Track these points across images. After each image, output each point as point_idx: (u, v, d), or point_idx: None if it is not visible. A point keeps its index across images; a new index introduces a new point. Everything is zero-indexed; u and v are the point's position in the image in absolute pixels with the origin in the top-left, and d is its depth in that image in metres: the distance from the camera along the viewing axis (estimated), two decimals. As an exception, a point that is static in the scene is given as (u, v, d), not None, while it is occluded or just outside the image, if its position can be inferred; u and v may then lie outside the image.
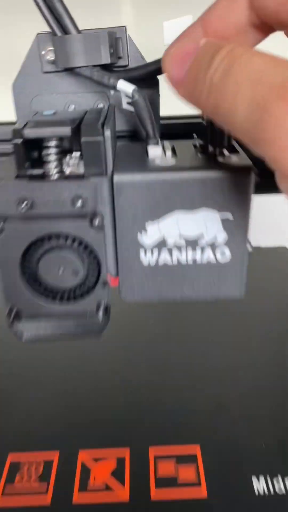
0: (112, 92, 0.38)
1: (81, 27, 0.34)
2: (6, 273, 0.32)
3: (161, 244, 0.33)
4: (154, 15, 0.85)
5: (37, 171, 0.33)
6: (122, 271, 0.34)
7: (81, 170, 0.33)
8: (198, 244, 0.33)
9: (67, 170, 0.33)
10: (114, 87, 0.33)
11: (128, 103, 0.35)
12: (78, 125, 0.31)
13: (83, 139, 0.30)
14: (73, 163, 0.33)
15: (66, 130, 0.30)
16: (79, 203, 0.30)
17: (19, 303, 0.33)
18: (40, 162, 0.34)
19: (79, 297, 0.33)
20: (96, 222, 0.31)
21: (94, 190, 0.30)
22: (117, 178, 0.31)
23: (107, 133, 0.30)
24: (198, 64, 0.22)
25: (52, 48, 0.36)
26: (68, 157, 0.33)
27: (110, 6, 0.80)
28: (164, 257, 0.33)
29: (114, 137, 0.32)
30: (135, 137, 0.38)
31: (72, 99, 0.38)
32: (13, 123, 0.43)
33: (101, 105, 0.38)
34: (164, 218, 0.32)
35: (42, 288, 0.33)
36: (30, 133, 0.30)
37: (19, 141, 0.30)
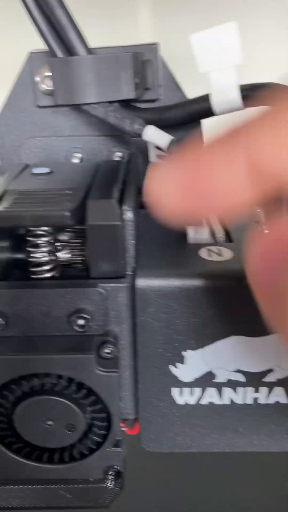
0: (135, 136, 0.27)
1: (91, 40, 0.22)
2: None
3: (206, 380, 0.21)
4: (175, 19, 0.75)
5: (17, 256, 0.21)
6: (145, 413, 0.22)
7: (82, 261, 0.21)
8: (264, 379, 0.21)
9: (60, 258, 0.21)
10: (139, 136, 0.22)
11: (160, 156, 0.24)
12: (83, 199, 0.20)
13: (89, 222, 0.19)
14: (74, 246, 0.22)
15: (63, 217, 0.18)
16: (79, 323, 0.19)
17: (-15, 463, 0.21)
18: (22, 240, 0.22)
19: (77, 458, 0.21)
20: (107, 352, 0.19)
21: (104, 302, 0.19)
22: (142, 283, 0.19)
23: (129, 214, 0.19)
24: None
25: (50, 73, 0.25)
26: (61, 238, 0.21)
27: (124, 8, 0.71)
28: (210, 396, 0.22)
29: (136, 213, 0.21)
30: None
31: (78, 144, 0.27)
32: None
33: (119, 154, 0.27)
34: (214, 345, 0.20)
35: (20, 444, 0.21)
36: (7, 220, 0.19)
37: None
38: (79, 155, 0.27)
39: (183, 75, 0.26)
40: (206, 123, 0.22)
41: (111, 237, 0.19)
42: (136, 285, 0.19)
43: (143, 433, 0.23)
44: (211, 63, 0.21)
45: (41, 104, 0.26)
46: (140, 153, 0.26)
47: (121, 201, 0.20)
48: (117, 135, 0.27)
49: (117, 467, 0.22)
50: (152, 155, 0.23)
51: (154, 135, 0.21)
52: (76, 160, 0.27)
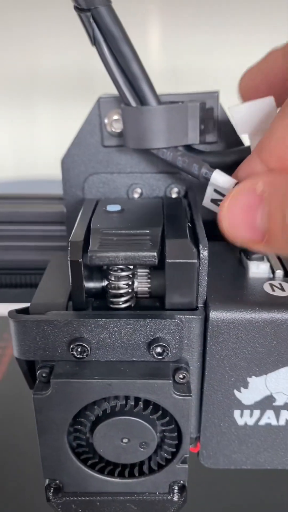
0: (191, 173, 0.29)
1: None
2: (48, 439, 0.22)
3: (266, 403, 0.23)
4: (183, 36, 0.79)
5: (95, 285, 0.24)
6: (207, 432, 0.24)
7: (153, 289, 0.24)
8: None
9: (136, 290, 0.24)
10: (207, 179, 0.24)
11: (214, 200, 0.26)
12: (161, 239, 0.22)
13: (169, 260, 0.21)
14: (141, 278, 0.24)
15: (150, 257, 0.21)
16: (158, 350, 0.21)
17: (62, 476, 0.23)
18: (99, 271, 0.25)
19: (146, 474, 0.23)
20: (181, 377, 0.21)
21: (180, 332, 0.21)
22: (215, 316, 0.21)
23: (204, 253, 0.21)
24: (279, 214, 0.19)
25: (118, 117, 0.27)
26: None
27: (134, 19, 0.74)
28: (267, 417, 0.24)
29: None
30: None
31: (138, 180, 0.29)
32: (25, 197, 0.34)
33: (175, 190, 0.29)
34: (276, 372, 0.22)
35: (95, 460, 0.23)
36: (102, 259, 0.21)
37: (79, 259, 0.21)
38: (139, 190, 0.29)
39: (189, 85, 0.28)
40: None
41: (188, 273, 0.21)
42: (210, 317, 0.21)
43: (202, 450, 0.25)
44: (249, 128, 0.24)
45: (108, 144, 0.28)
46: (196, 190, 0.28)
47: (195, 239, 0.22)
48: (173, 172, 0.29)
49: (182, 482, 0.23)
50: (209, 197, 0.25)
51: (220, 179, 0.23)
52: (136, 195, 0.29)
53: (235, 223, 0.21)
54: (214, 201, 0.26)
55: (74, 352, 0.21)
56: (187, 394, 0.21)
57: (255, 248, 0.22)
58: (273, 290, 0.23)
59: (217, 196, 0.25)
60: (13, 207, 0.33)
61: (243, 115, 0.24)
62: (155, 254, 0.21)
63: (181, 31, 0.80)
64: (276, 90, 0.24)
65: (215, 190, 0.25)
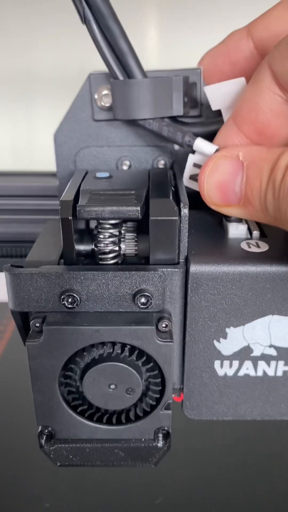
0: (176, 146, 0.31)
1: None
2: (40, 386, 0.24)
3: (244, 354, 0.25)
4: (178, 33, 0.80)
5: (85, 248, 0.26)
6: (189, 382, 0.26)
7: (140, 251, 0.25)
8: (294, 354, 0.25)
9: (122, 250, 0.25)
10: (190, 147, 0.26)
11: (193, 176, 0.27)
12: (145, 198, 0.24)
13: (152, 217, 0.23)
14: (128, 240, 0.26)
15: (134, 211, 0.22)
16: (142, 300, 0.23)
17: (54, 423, 0.25)
18: (88, 234, 0.26)
19: (133, 420, 0.25)
20: (164, 326, 0.23)
21: (162, 284, 0.23)
22: (194, 269, 0.23)
23: (185, 211, 0.23)
24: (257, 182, 0.21)
25: (107, 92, 0.29)
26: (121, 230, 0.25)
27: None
28: (246, 368, 0.25)
29: None
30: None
31: (127, 153, 0.31)
32: (20, 173, 0.36)
33: (162, 162, 0.31)
34: (252, 322, 0.24)
35: (84, 407, 0.25)
36: (90, 212, 0.22)
37: (69, 217, 0.23)
38: (128, 162, 0.31)
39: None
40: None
41: (170, 230, 0.23)
42: (190, 270, 0.23)
43: (186, 401, 0.27)
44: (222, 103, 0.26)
45: (98, 118, 0.30)
46: (181, 162, 0.30)
47: (177, 201, 0.24)
48: (160, 145, 0.31)
49: (166, 428, 0.25)
50: (187, 174, 0.27)
51: (202, 146, 0.25)
52: (125, 167, 0.31)
53: (215, 186, 0.23)
54: (193, 176, 0.27)
55: (65, 303, 0.23)
56: (169, 340, 0.23)
57: (230, 211, 0.23)
58: (249, 247, 0.24)
59: (197, 171, 0.27)
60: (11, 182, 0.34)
61: (216, 93, 0.26)
62: (139, 208, 0.22)
63: (179, 33, 0.82)
64: (240, 69, 0.26)
65: (195, 165, 0.27)
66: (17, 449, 0.46)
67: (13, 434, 0.48)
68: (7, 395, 0.54)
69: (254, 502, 0.41)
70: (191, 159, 0.27)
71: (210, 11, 0.77)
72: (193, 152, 0.26)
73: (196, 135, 0.26)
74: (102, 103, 0.29)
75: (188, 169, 0.27)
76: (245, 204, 0.22)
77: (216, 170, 0.23)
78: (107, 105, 0.29)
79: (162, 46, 0.82)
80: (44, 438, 0.25)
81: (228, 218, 0.26)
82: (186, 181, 0.27)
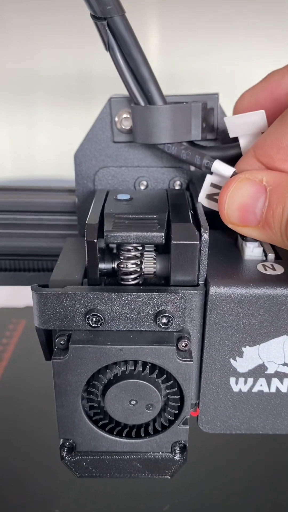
0: (192, 168, 0.32)
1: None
2: (64, 401, 0.25)
3: (259, 371, 0.26)
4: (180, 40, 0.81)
5: (106, 266, 0.27)
6: (205, 398, 0.27)
7: (158, 271, 0.26)
8: (306, 372, 0.26)
9: (144, 269, 0.26)
10: (208, 169, 0.27)
11: (209, 195, 0.28)
12: (167, 223, 0.25)
13: (174, 241, 0.24)
14: (147, 260, 0.27)
15: (158, 237, 0.23)
16: (164, 320, 0.24)
17: (75, 436, 0.26)
18: (109, 253, 0.27)
19: (151, 434, 0.26)
20: (184, 345, 0.24)
21: (183, 305, 0.24)
22: (214, 291, 0.24)
23: (205, 235, 0.24)
24: (279, 208, 0.23)
25: (127, 115, 0.30)
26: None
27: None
28: (260, 385, 0.26)
29: None
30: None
31: (144, 174, 0.32)
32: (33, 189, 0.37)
33: (178, 183, 0.32)
34: (268, 342, 0.25)
35: (105, 421, 0.26)
36: (116, 238, 0.23)
37: (94, 240, 0.24)
38: (145, 182, 0.32)
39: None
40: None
41: (190, 253, 0.24)
42: (210, 292, 0.24)
43: (201, 416, 0.28)
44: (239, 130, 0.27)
45: (117, 140, 0.31)
46: (197, 183, 0.31)
47: (197, 224, 0.25)
48: (176, 166, 0.32)
49: (183, 442, 0.26)
50: (204, 194, 0.28)
51: (220, 167, 0.26)
52: (142, 187, 0.32)
53: (236, 206, 0.24)
54: (210, 196, 0.29)
55: (90, 322, 0.24)
56: (189, 359, 0.24)
57: (247, 232, 0.24)
58: (265, 270, 0.25)
59: (214, 191, 0.28)
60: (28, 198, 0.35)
61: (235, 124, 0.27)
62: (163, 234, 0.23)
63: (179, 35, 0.83)
64: (282, 104, 0.27)
65: (212, 185, 0.28)
66: (26, 455, 0.47)
67: (24, 439, 0.49)
68: (14, 400, 0.55)
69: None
70: (209, 179, 0.28)
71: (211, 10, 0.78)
72: (211, 173, 0.27)
73: (213, 158, 0.27)
74: (122, 126, 0.30)
75: (205, 189, 0.28)
76: (263, 227, 0.23)
77: (239, 191, 0.24)
78: (127, 128, 0.30)
79: (163, 46, 0.83)
80: (66, 450, 0.26)
81: (245, 238, 0.27)
82: (202, 200, 0.28)
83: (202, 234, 0.24)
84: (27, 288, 0.26)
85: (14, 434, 0.50)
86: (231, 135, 0.27)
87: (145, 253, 0.27)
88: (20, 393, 0.56)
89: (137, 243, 0.24)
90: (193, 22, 0.82)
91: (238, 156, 0.27)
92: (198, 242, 0.24)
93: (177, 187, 0.32)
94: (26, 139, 0.92)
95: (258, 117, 0.25)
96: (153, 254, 0.27)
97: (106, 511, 0.42)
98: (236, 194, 0.24)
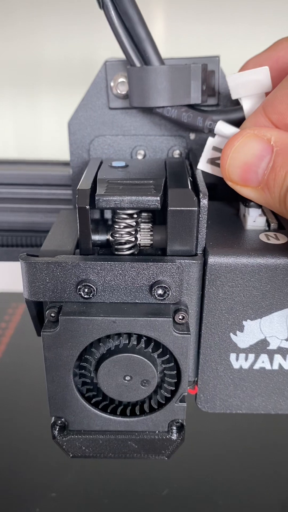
0: (192, 136, 0.30)
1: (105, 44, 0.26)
2: (55, 376, 0.24)
3: (260, 347, 0.25)
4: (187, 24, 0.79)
5: (100, 238, 0.25)
6: (204, 375, 0.26)
7: (155, 242, 0.25)
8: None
9: (137, 241, 0.25)
10: (211, 131, 0.25)
11: (211, 159, 0.27)
12: (164, 188, 0.23)
13: (171, 208, 0.22)
14: (144, 231, 0.25)
15: (154, 201, 0.22)
16: (159, 292, 0.22)
17: (67, 414, 0.25)
18: (103, 224, 0.26)
19: (147, 412, 0.25)
20: (181, 318, 0.23)
21: (180, 275, 0.22)
22: (213, 260, 0.23)
23: (204, 201, 0.23)
24: (283, 171, 0.21)
25: (124, 80, 0.28)
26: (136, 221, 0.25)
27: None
28: (262, 361, 0.25)
29: None
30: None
31: (142, 143, 0.30)
32: (24, 162, 0.35)
33: (177, 152, 0.30)
34: (270, 315, 0.24)
35: (98, 398, 0.24)
36: (108, 202, 0.22)
37: (86, 206, 0.22)
38: (143, 152, 0.30)
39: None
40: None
41: (188, 221, 0.23)
42: (208, 262, 0.23)
43: (199, 394, 0.26)
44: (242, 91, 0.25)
45: (113, 106, 0.29)
46: (196, 152, 0.30)
47: (195, 191, 0.23)
48: (175, 135, 0.30)
49: (181, 421, 0.25)
50: (204, 159, 0.27)
51: (224, 128, 0.25)
52: (140, 157, 0.30)
53: (239, 163, 0.22)
54: (212, 160, 0.27)
55: (81, 293, 0.22)
56: (186, 332, 0.23)
57: (245, 192, 0.23)
58: (268, 239, 0.24)
59: (216, 155, 0.27)
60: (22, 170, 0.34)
61: (238, 82, 0.25)
62: (158, 198, 0.22)
63: (184, 25, 0.81)
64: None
65: (214, 148, 0.26)
66: (24, 438, 0.46)
67: (23, 423, 0.48)
68: (11, 384, 0.54)
69: (262, 496, 0.41)
70: (211, 142, 0.26)
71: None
72: (213, 136, 0.26)
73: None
74: (118, 91, 0.29)
75: (207, 152, 0.26)
76: (263, 189, 0.22)
77: (244, 147, 0.22)
78: (123, 93, 0.28)
79: (168, 35, 0.81)
80: (57, 429, 0.25)
81: (247, 204, 0.25)
82: (203, 164, 0.27)
83: (201, 200, 0.23)
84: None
85: (12, 419, 0.49)
86: (234, 96, 0.25)
87: (142, 224, 0.25)
88: (18, 378, 0.55)
89: (131, 209, 0.23)
90: (199, 12, 0.79)
91: (242, 120, 0.25)
92: (196, 209, 0.22)
93: (176, 156, 0.30)
94: (29, 124, 0.91)
95: (262, 75, 0.23)
96: (150, 225, 0.25)
97: (103, 495, 0.41)
98: (240, 150, 0.22)
